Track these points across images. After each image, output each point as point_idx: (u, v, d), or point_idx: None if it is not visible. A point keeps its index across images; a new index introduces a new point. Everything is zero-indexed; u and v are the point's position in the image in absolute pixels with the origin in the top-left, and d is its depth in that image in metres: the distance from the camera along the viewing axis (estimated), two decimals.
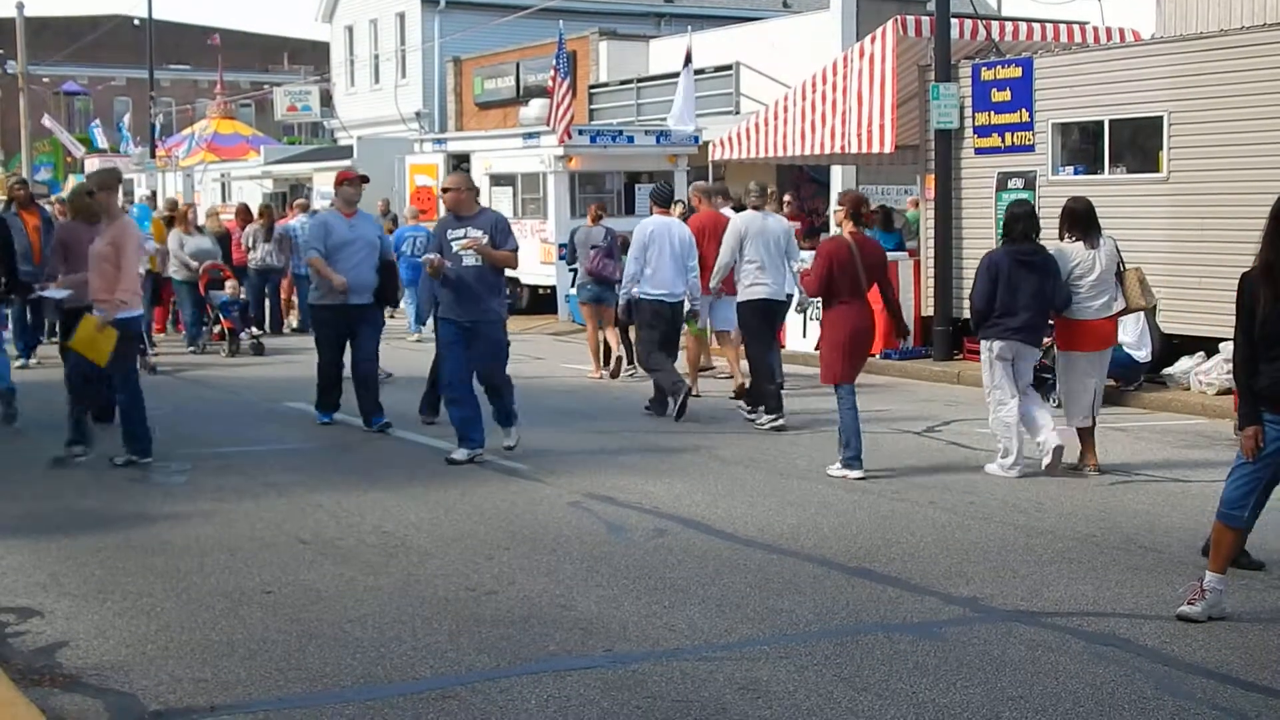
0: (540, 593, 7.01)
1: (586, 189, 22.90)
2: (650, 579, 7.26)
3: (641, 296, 13.11)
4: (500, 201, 23.00)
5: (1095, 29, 19.86)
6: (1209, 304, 13.30)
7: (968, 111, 16.28)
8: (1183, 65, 13.98)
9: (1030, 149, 15.59)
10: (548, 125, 23.62)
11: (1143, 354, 13.70)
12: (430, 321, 13.51)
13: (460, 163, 24.58)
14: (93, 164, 43.58)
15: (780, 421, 12.02)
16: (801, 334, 17.01)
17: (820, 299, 10.34)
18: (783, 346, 15.71)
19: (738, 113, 27.44)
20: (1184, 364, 13.82)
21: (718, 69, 28.84)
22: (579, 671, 5.83)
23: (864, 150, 17.76)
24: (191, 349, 19.00)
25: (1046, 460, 9.96)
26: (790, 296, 12.66)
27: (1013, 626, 6.45)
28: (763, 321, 12.48)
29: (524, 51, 35.50)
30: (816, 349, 11.08)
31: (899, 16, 17.26)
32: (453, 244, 10.47)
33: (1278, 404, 6.40)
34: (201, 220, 21.74)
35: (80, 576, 7.33)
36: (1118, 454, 10.79)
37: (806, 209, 23.38)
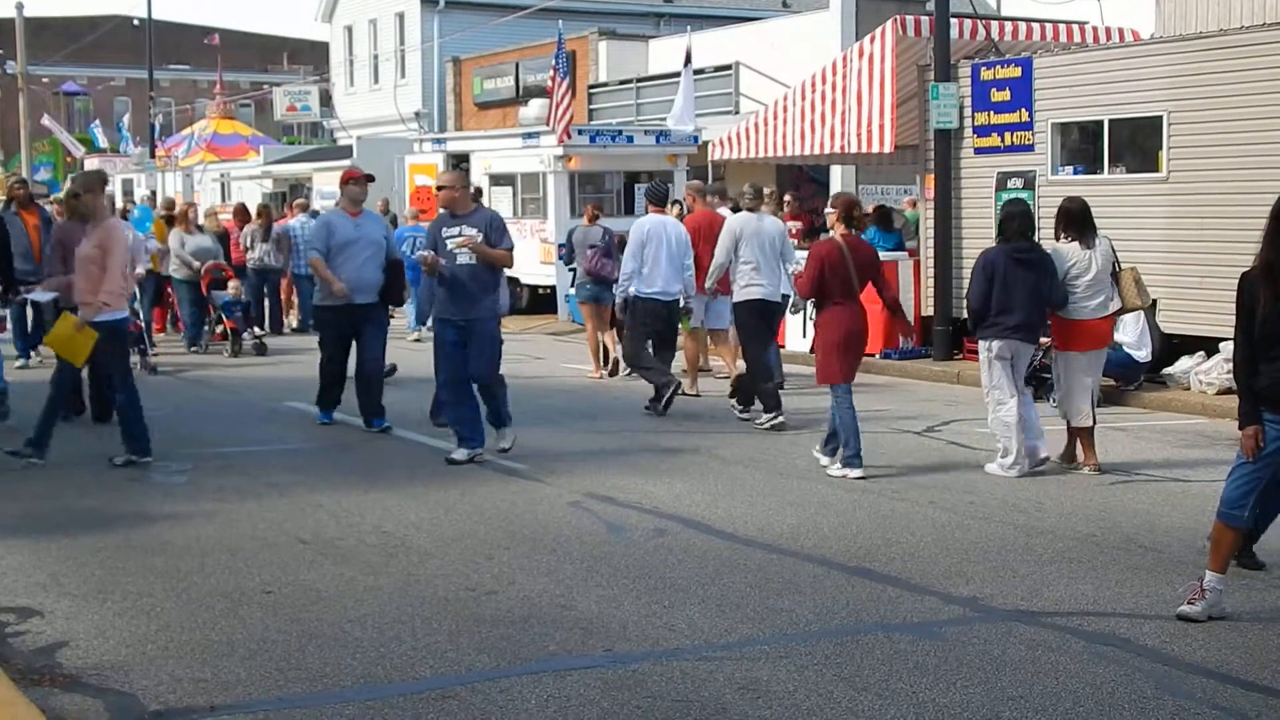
0: (540, 593, 7.01)
1: (586, 189, 22.89)
2: (650, 579, 7.26)
3: (637, 295, 13.11)
4: (500, 201, 23.00)
5: (1094, 29, 19.87)
6: (1209, 304, 13.30)
7: (967, 111, 16.28)
8: (1182, 65, 13.98)
9: (1030, 149, 15.60)
10: (547, 125, 23.62)
11: (1143, 354, 13.71)
12: (430, 321, 13.50)
13: (460, 162, 24.57)
14: (93, 164, 43.64)
15: (779, 419, 12.03)
16: (801, 334, 17.01)
17: (813, 301, 10.38)
18: (782, 346, 15.74)
19: (737, 113, 27.45)
20: (1184, 364, 13.82)
21: (717, 69, 28.85)
22: (579, 671, 5.83)
23: (863, 150, 17.77)
24: (193, 349, 18.98)
25: (1026, 463, 9.99)
26: (786, 297, 12.67)
27: (1013, 626, 6.46)
28: (759, 322, 12.48)
29: (523, 51, 35.51)
30: (812, 351, 11.11)
31: (898, 16, 17.27)
32: (447, 242, 10.47)
33: (1278, 404, 6.40)
34: (201, 220, 21.71)
35: (80, 576, 7.33)
36: (1118, 454, 10.80)
37: (807, 209, 23.38)
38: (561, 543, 8.06)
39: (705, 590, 7.05)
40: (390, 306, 12.73)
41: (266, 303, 21.49)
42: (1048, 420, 10.76)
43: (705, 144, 22.68)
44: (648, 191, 14.55)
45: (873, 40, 17.20)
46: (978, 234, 15.87)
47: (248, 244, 21.02)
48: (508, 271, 11.24)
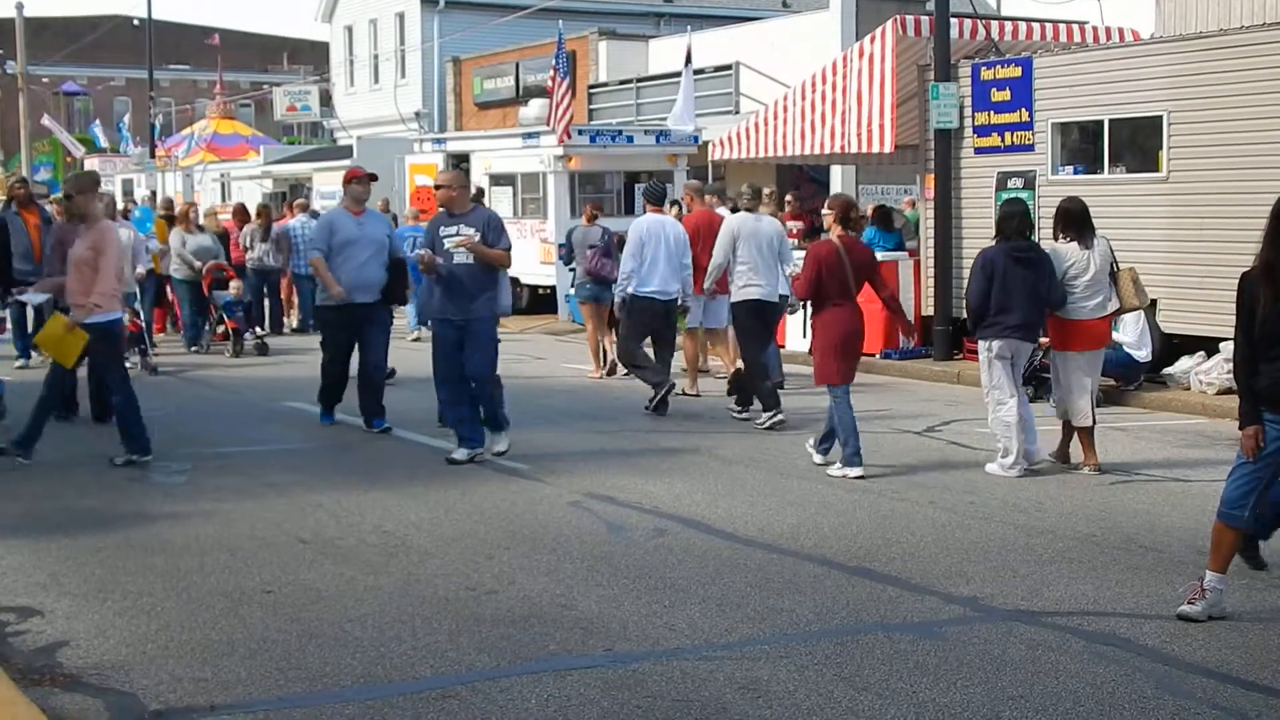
0: (540, 592, 7.01)
1: (586, 189, 22.89)
2: (650, 579, 7.26)
3: (634, 293, 13.12)
4: (500, 201, 23.00)
5: (1095, 29, 19.87)
6: (1209, 303, 13.30)
7: (967, 111, 16.28)
8: (1182, 65, 13.98)
9: (1030, 149, 15.60)
10: (547, 125, 23.62)
11: (1143, 353, 13.71)
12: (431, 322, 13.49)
13: (460, 162, 24.57)
14: (93, 164, 43.65)
15: (779, 417, 12.04)
16: (802, 334, 17.01)
17: (809, 302, 10.40)
18: (782, 346, 15.75)
19: (737, 112, 27.46)
20: (1184, 363, 13.82)
21: (717, 69, 28.85)
22: (579, 671, 5.83)
23: (864, 150, 17.77)
24: (193, 349, 18.97)
25: (1024, 465, 10.01)
26: (784, 298, 12.68)
27: (1013, 626, 6.46)
28: (756, 322, 12.49)
29: (523, 51, 35.52)
30: (810, 353, 11.14)
31: (898, 16, 17.27)
32: (445, 241, 10.47)
33: (1278, 404, 6.40)
34: (200, 220, 21.71)
35: (80, 576, 7.33)
36: (1118, 454, 10.80)
37: (807, 209, 23.39)
38: (562, 542, 8.06)
39: (705, 590, 7.05)
40: (393, 306, 12.68)
41: (266, 303, 21.48)
42: (1045, 420, 10.77)
43: (705, 144, 22.68)
44: (645, 191, 14.55)
45: (873, 40, 17.20)
46: (978, 234, 15.86)
47: (247, 244, 21.01)
48: (509, 271, 11.22)
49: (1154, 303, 13.93)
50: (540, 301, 23.44)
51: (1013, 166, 15.78)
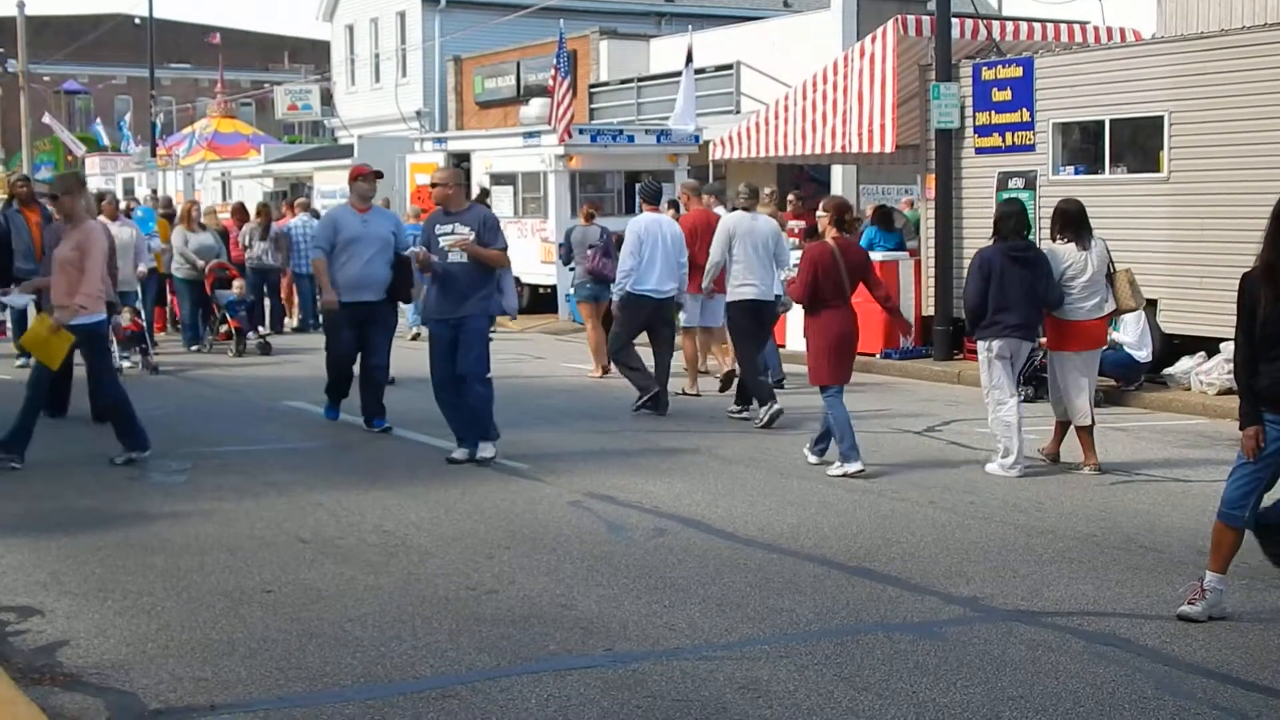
0: (540, 592, 7.01)
1: (587, 188, 22.88)
2: (650, 578, 7.26)
3: (630, 291, 13.13)
4: (501, 201, 23.00)
5: (1096, 29, 19.87)
6: (1209, 304, 13.30)
7: (968, 111, 16.28)
8: (1183, 65, 13.98)
9: (1031, 149, 15.59)
10: (548, 124, 23.62)
11: (1143, 354, 13.71)
12: None
13: (461, 162, 24.57)
14: (94, 162, 43.72)
15: (776, 408, 12.07)
16: (802, 333, 17.00)
17: (805, 304, 10.43)
18: (782, 346, 15.75)
19: (738, 112, 27.46)
20: (1184, 364, 13.82)
21: (718, 68, 28.86)
22: (579, 671, 5.83)
23: (864, 150, 17.77)
24: (193, 348, 18.97)
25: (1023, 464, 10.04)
26: (779, 297, 12.71)
27: (1013, 626, 6.46)
28: (751, 321, 12.52)
29: (524, 51, 35.52)
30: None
31: (899, 16, 17.27)
32: (440, 239, 10.46)
33: (1278, 404, 6.40)
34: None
35: (80, 575, 7.34)
36: (1118, 454, 10.80)
37: (809, 208, 23.39)
38: (562, 542, 8.06)
39: (705, 590, 7.05)
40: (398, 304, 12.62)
41: (266, 302, 21.48)
42: (1039, 419, 10.77)
43: (706, 143, 22.68)
44: (641, 190, 14.57)
45: (874, 40, 17.20)
46: (978, 234, 15.85)
47: (246, 243, 21.01)
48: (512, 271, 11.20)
49: (1154, 303, 13.96)
50: (540, 301, 23.44)
51: (1014, 166, 15.78)
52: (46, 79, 64.62)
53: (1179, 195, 14.04)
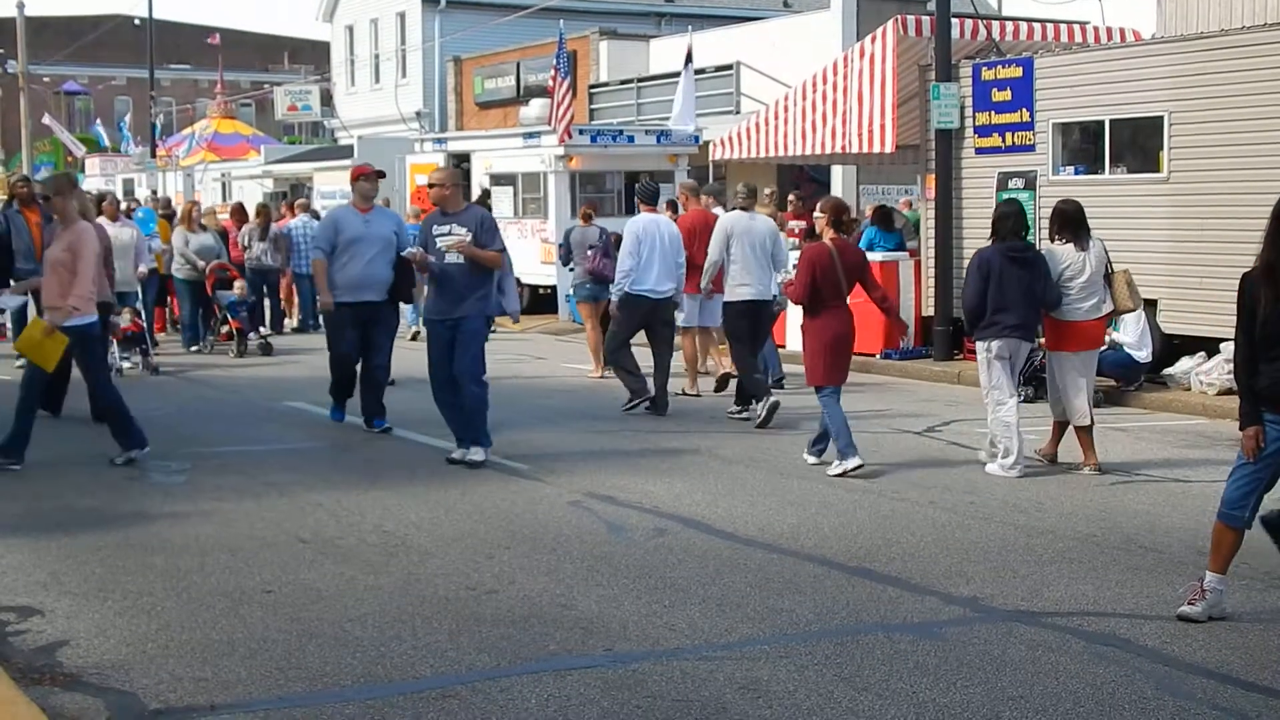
0: (540, 592, 7.01)
1: (587, 189, 22.88)
2: (650, 578, 7.26)
3: (628, 291, 13.15)
4: (501, 201, 23.00)
5: (1096, 29, 19.87)
6: (1209, 304, 13.30)
7: (968, 111, 16.28)
8: (1183, 65, 13.98)
9: (1031, 149, 15.60)
10: (548, 125, 23.62)
11: (1143, 354, 13.71)
12: None
13: (461, 162, 24.58)
14: (94, 163, 43.73)
15: (773, 400, 12.14)
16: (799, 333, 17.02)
17: (803, 305, 10.48)
18: (782, 346, 15.75)
19: (738, 112, 27.46)
20: (1184, 364, 13.82)
21: (718, 69, 28.86)
22: (579, 671, 5.83)
23: (864, 150, 17.77)
24: (194, 348, 18.96)
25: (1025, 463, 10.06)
26: (775, 297, 12.76)
27: (1013, 626, 6.46)
28: (747, 321, 12.55)
29: (524, 51, 35.52)
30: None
31: (899, 16, 17.27)
32: (437, 240, 10.46)
33: (1278, 404, 6.40)
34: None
35: (80, 575, 7.33)
36: (1118, 454, 10.80)
37: (809, 208, 23.40)
38: (562, 542, 8.06)
39: (705, 590, 7.05)
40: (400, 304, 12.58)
41: (266, 302, 21.48)
42: (1039, 419, 10.77)
43: (706, 144, 22.68)
44: (639, 191, 14.59)
45: (874, 40, 17.20)
46: (979, 234, 15.84)
47: (245, 243, 21.01)
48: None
49: (1154, 303, 13.97)
50: (541, 301, 23.44)
51: (1014, 167, 15.78)
52: (46, 80, 64.59)
53: (1179, 195, 14.04)
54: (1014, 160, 15.78)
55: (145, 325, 16.88)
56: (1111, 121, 14.83)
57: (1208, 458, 10.68)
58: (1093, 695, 5.56)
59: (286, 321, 22.21)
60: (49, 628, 6.44)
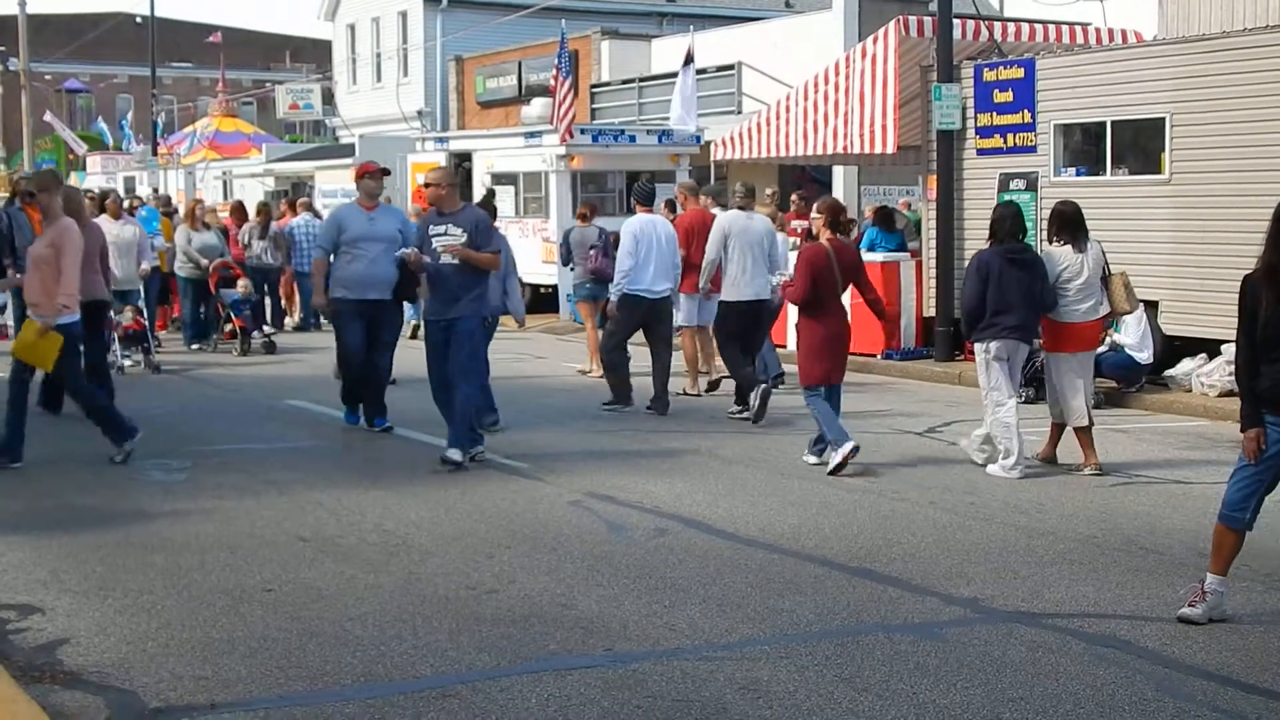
0: (541, 592, 7.01)
1: (588, 188, 22.89)
2: (651, 578, 7.26)
3: (626, 291, 13.16)
4: (502, 201, 22.98)
5: (1097, 30, 19.87)
6: (1211, 305, 13.29)
7: (969, 112, 16.28)
8: (1185, 67, 13.98)
9: (1032, 150, 15.59)
10: (550, 124, 23.62)
11: (1144, 355, 13.70)
12: None
13: (462, 161, 24.58)
14: (95, 161, 43.74)
15: (764, 387, 12.26)
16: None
17: (801, 305, 10.52)
18: (782, 346, 15.75)
19: (740, 112, 27.46)
20: (1186, 365, 13.82)
21: (720, 69, 28.85)
22: (579, 670, 5.83)
23: (866, 151, 17.77)
24: (194, 346, 18.97)
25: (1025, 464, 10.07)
26: (773, 293, 12.82)
27: (1013, 627, 6.45)
28: (743, 322, 12.60)
29: (526, 51, 35.52)
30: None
31: (901, 17, 17.28)
32: (433, 240, 10.44)
33: (1279, 406, 6.39)
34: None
35: (81, 574, 7.34)
36: (1119, 455, 10.79)
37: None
38: (562, 542, 8.06)
39: (706, 590, 7.05)
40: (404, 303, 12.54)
41: (266, 301, 21.46)
42: (1040, 419, 10.77)
43: (708, 144, 22.68)
44: (635, 192, 14.61)
45: (875, 40, 17.20)
46: (980, 235, 15.79)
47: (245, 241, 21.01)
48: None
49: (1155, 305, 13.97)
50: (542, 301, 23.42)
51: (1015, 168, 15.78)
52: (48, 77, 64.65)
53: (1180, 197, 14.04)
54: (1015, 161, 15.77)
55: (148, 323, 16.87)
56: (1113, 123, 14.83)
57: (1209, 459, 10.67)
58: (1093, 697, 5.56)
59: (287, 320, 22.21)
60: (49, 626, 6.44)
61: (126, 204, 20.46)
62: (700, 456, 10.84)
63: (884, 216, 19.13)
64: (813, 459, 10.42)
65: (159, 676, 5.74)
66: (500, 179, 23.78)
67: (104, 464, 10.36)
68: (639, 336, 13.46)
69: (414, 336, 18.43)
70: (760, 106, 23.49)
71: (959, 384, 15.03)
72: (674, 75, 26.10)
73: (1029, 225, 13.66)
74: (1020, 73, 15.71)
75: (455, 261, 10.33)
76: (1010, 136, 15.83)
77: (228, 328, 18.94)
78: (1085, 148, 15.53)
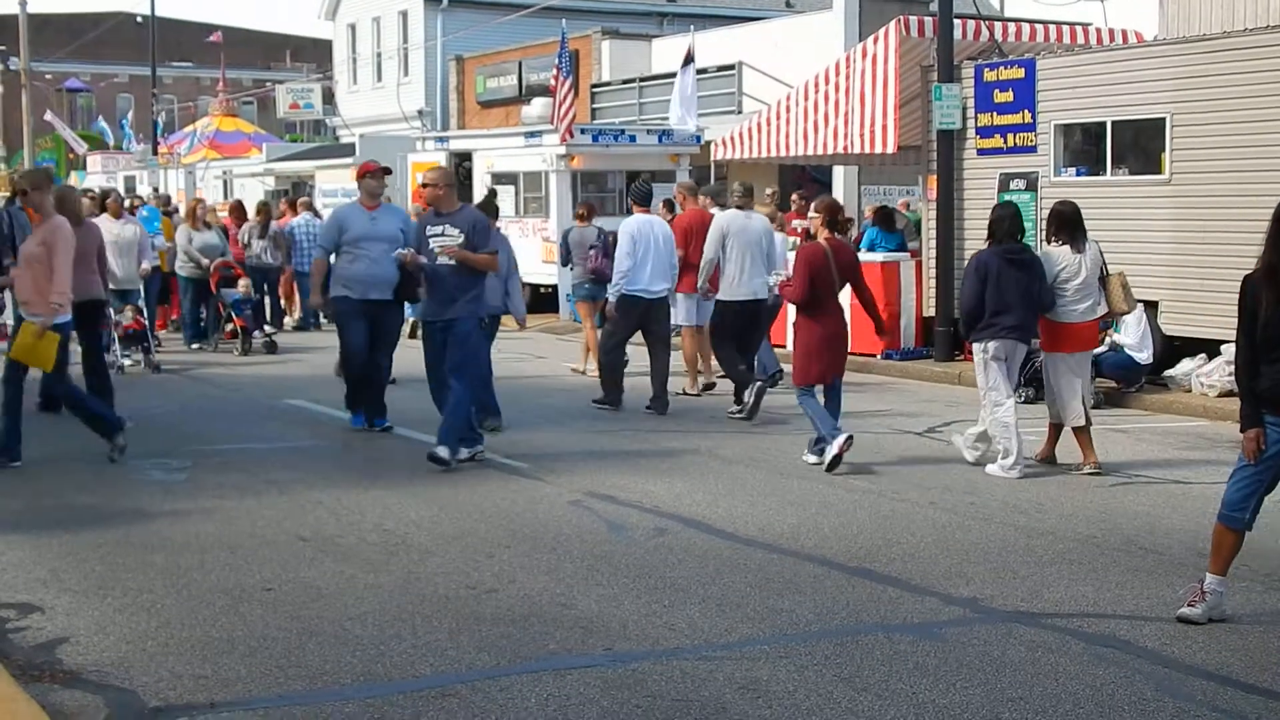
0: (540, 591, 7.01)
1: (589, 188, 22.88)
2: (650, 578, 7.26)
3: (624, 292, 13.17)
4: (502, 200, 22.93)
5: (1098, 30, 19.87)
6: (1211, 305, 13.29)
7: (970, 112, 16.28)
8: (1185, 67, 13.98)
9: (1032, 150, 15.59)
10: (550, 124, 23.62)
11: (1144, 355, 13.70)
12: None
13: (463, 161, 24.58)
14: (95, 160, 43.74)
15: (758, 384, 12.28)
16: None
17: (800, 304, 10.54)
18: (781, 346, 15.75)
19: (740, 112, 27.46)
20: (1185, 365, 13.82)
21: (720, 69, 28.85)
22: (579, 670, 5.83)
23: (866, 151, 17.77)
24: (194, 345, 18.97)
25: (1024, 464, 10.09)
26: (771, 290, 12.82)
27: (1013, 627, 6.45)
28: (737, 320, 12.60)
29: (526, 50, 35.52)
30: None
31: (902, 17, 17.28)
32: (430, 241, 10.43)
33: (1279, 406, 6.39)
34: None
35: (81, 573, 7.34)
36: (1119, 455, 10.80)
37: None
38: (562, 541, 8.06)
39: (705, 590, 7.05)
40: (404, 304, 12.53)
41: (266, 300, 21.46)
42: (1039, 419, 10.78)
43: (708, 144, 22.68)
44: (632, 192, 14.62)
45: (876, 40, 17.20)
46: (980, 235, 15.80)
47: (245, 241, 21.02)
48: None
49: (1155, 305, 13.97)
50: (542, 300, 23.42)
51: (1015, 168, 15.78)
52: (48, 77, 64.64)
53: (1180, 197, 14.04)
54: (1016, 161, 15.77)
55: (148, 323, 16.87)
56: (1113, 123, 14.83)
57: (1208, 459, 10.67)
58: (1092, 696, 5.56)
59: (286, 320, 22.21)
60: (49, 625, 6.44)
61: (127, 204, 20.44)
62: (700, 456, 10.84)
63: (884, 216, 19.12)
64: (813, 459, 10.43)
65: (159, 675, 5.74)
66: (500, 179, 23.76)
67: (104, 463, 10.36)
68: (639, 337, 13.45)
69: (412, 335, 18.45)
70: (760, 106, 23.49)
71: (959, 384, 15.02)
72: (674, 75, 26.11)
73: (1029, 225, 13.69)
74: (1020, 73, 15.71)
75: (452, 262, 10.32)
76: (1010, 136, 15.83)
77: (229, 327, 18.93)
78: (1085, 148, 15.53)
